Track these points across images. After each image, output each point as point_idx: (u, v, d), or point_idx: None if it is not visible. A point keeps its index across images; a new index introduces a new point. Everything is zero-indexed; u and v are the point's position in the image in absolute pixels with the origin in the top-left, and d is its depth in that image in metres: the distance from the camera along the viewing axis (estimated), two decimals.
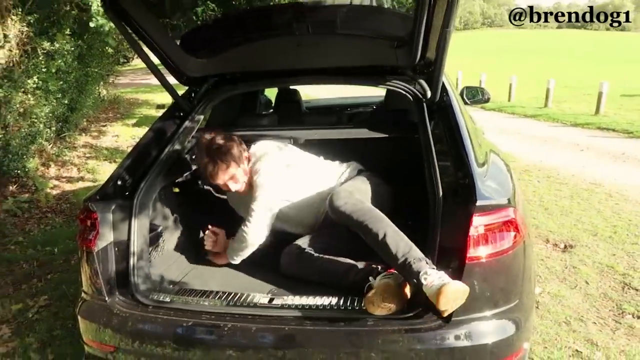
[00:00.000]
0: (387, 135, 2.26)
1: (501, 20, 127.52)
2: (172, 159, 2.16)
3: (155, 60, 2.14)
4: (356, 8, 2.24)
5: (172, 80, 2.28)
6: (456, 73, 17.59)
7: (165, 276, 2.04)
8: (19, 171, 5.68)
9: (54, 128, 6.97)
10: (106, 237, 1.83)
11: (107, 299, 1.80)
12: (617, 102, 12.16)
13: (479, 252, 1.55)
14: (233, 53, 2.17)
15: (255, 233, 2.11)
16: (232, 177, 2.13)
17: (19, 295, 3.28)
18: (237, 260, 2.18)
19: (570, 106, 12.27)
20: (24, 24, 5.83)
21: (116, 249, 1.84)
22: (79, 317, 1.87)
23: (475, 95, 4.12)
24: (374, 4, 2.29)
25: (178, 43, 2.14)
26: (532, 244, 1.91)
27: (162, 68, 2.24)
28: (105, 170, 6.71)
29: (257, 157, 2.22)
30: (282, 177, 2.18)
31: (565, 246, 3.81)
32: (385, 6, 2.30)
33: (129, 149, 8.08)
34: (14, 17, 5.71)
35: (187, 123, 2.20)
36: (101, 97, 12.27)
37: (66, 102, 7.47)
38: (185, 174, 2.38)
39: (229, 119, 2.82)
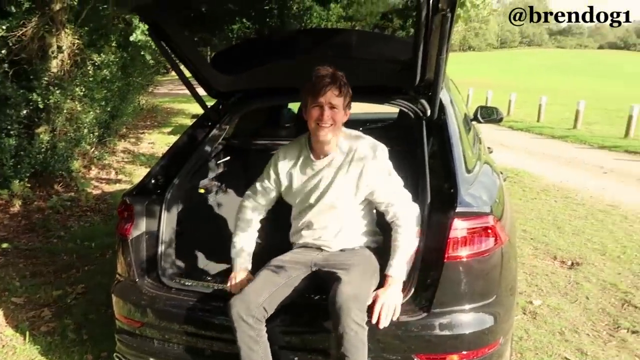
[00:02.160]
0: (393, 149, 2.50)
1: (540, 40, 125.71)
2: (200, 163, 2.46)
3: (188, 73, 2.47)
4: (367, 34, 2.51)
5: (202, 92, 2.59)
6: (485, 92, 17.60)
7: (189, 264, 2.33)
8: (63, 172, 6.15)
9: (96, 133, 7.46)
10: (140, 227, 2.14)
11: (137, 280, 2.10)
12: None
13: (458, 253, 1.78)
14: (257, 71, 2.47)
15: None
16: (336, 107, 1.89)
17: (59, 283, 3.64)
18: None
19: (601, 128, 12.17)
20: (76, 37, 6.35)
21: (147, 237, 2.15)
22: (112, 296, 2.17)
23: (490, 115, 4.29)
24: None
25: (209, 61, 2.46)
26: (514, 251, 2.11)
27: (193, 81, 2.55)
28: (140, 174, 7.14)
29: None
30: None
31: (572, 263, 3.92)
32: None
33: None
34: (67, 30, 6.24)
35: (214, 131, 2.50)
36: (140, 105, 12.93)
37: (109, 109, 8.00)
38: (210, 177, 2.68)
39: (254, 129, 3.12)
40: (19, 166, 5.37)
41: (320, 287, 1.93)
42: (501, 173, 2.68)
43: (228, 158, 2.87)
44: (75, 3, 6.37)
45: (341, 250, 2.04)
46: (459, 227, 1.78)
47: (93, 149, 7.59)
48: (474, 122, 4.04)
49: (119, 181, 6.91)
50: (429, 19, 1.80)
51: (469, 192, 1.89)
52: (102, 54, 7.16)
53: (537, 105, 14.13)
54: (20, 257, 4.16)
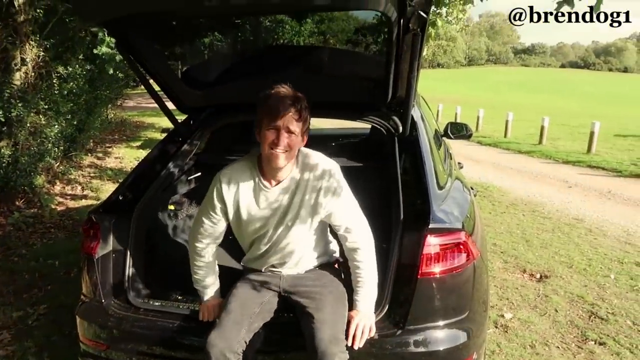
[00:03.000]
0: (366, 165, 2.51)
1: (506, 58, 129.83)
2: (170, 179, 2.41)
3: (157, 87, 2.42)
4: (339, 51, 2.53)
5: (172, 106, 2.55)
6: (455, 108, 18.01)
7: (159, 283, 2.26)
8: (26, 187, 5.94)
9: (61, 147, 7.25)
10: (107, 246, 2.06)
11: (103, 301, 2.02)
12: (610, 142, 12.49)
13: (431, 269, 1.78)
14: (228, 87, 2.44)
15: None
16: (293, 132, 1.71)
17: (20, 304, 3.47)
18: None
19: (564, 144, 12.58)
20: (41, 49, 6.19)
21: (114, 256, 2.07)
22: (77, 317, 2.08)
23: (459, 131, 4.38)
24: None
25: (180, 76, 2.42)
26: (486, 266, 2.13)
27: (163, 95, 2.51)
28: (107, 190, 6.96)
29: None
30: None
31: (541, 276, 4.00)
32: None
33: None
34: (32, 42, 6.08)
35: (185, 147, 2.45)
36: (108, 119, 12.66)
37: (75, 123, 7.79)
38: (181, 193, 2.63)
39: (225, 144, 3.08)
40: None
41: (290, 306, 1.90)
42: (472, 188, 2.72)
43: (199, 174, 2.82)
44: (41, 15, 6.24)
45: (305, 272, 1.98)
46: (432, 244, 1.79)
47: (58, 164, 7.37)
48: (444, 138, 4.11)
49: (84, 197, 6.71)
50: (399, 38, 1.82)
51: (441, 208, 1.90)
52: (68, 67, 7.00)
53: (504, 121, 14.52)
54: None
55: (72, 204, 6.37)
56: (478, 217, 2.29)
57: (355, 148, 3.20)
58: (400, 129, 2.30)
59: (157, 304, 2.03)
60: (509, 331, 3.10)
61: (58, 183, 7.07)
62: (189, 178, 2.74)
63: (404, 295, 1.81)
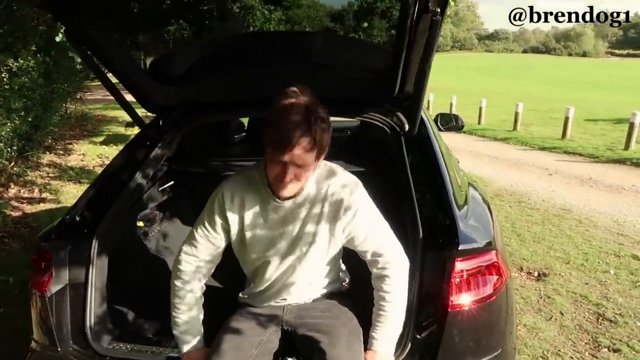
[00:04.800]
0: (363, 169, 2.18)
1: (470, 44, 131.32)
2: (138, 192, 2.03)
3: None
4: (335, 39, 2.19)
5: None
6: (427, 95, 17.87)
7: (127, 322, 1.89)
8: None
9: (15, 147, 6.67)
10: (61, 280, 1.68)
11: (59, 349, 1.65)
12: (582, 127, 12.55)
13: (461, 299, 1.48)
14: (204, 82, 2.07)
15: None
16: (303, 166, 1.36)
17: None
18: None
19: (538, 129, 12.59)
20: None
21: (72, 292, 1.69)
22: None
23: (449, 122, 4.11)
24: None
25: (145, 68, 2.03)
26: (512, 282, 1.86)
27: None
28: (69, 191, 6.44)
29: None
30: None
31: (539, 274, 3.80)
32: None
33: (95, 169, 7.73)
34: None
35: (154, 153, 2.07)
36: (68, 114, 11.93)
37: (30, 119, 7.19)
38: (151, 206, 2.25)
39: (200, 146, 2.71)
40: None
41: (295, 348, 1.58)
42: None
43: (172, 183, 2.44)
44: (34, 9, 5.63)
45: (313, 301, 1.67)
46: (462, 268, 1.49)
47: (12, 165, 6.79)
48: None
49: (43, 200, 6.18)
50: (413, 21, 1.51)
51: (467, 224, 1.61)
52: (19, 59, 6.40)
53: (477, 108, 14.45)
54: None
55: (28, 208, 5.84)
56: (497, 224, 2.01)
57: (352, 148, 2.86)
58: (406, 126, 1.99)
59: (125, 348, 1.68)
60: (517, 340, 2.86)
61: (13, 186, 6.49)
62: (160, 189, 2.36)
63: (430, 332, 1.51)
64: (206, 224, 1.55)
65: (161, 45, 2.57)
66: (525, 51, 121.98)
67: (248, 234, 1.53)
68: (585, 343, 2.86)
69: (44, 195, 6.39)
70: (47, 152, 8.82)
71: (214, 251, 1.57)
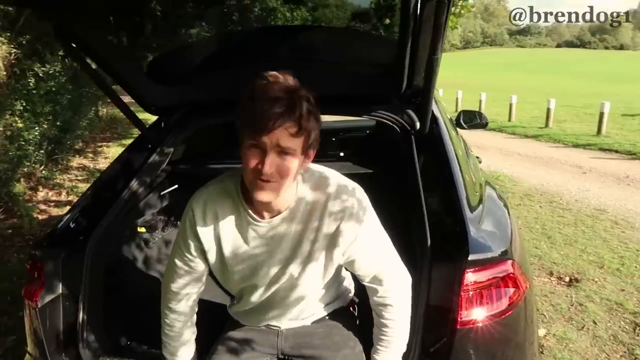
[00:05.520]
0: (371, 172, 2.07)
1: (501, 40, 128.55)
2: (137, 196, 1.96)
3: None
4: (338, 32, 2.07)
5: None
6: (455, 93, 17.48)
7: (122, 335, 1.82)
8: (3, 195, 5.50)
9: (44, 151, 6.81)
10: (53, 290, 1.62)
11: None
12: (618, 122, 12.02)
13: (473, 315, 1.35)
14: (206, 80, 1.99)
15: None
16: (289, 152, 1.12)
17: None
18: None
19: (572, 126, 12.11)
20: (13, 46, 5.71)
21: (64, 303, 1.63)
22: None
23: (472, 120, 3.94)
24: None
25: (143, 68, 1.96)
26: (533, 295, 1.70)
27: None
28: None
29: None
30: None
31: (571, 280, 3.58)
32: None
33: None
34: (2, 39, 5.61)
35: (154, 157, 2.00)
36: (98, 117, 12.18)
37: (59, 123, 7.34)
38: (152, 212, 2.18)
39: (209, 149, 2.63)
40: None
41: None
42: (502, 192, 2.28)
43: (175, 187, 2.37)
44: (12, 9, 5.74)
45: (312, 323, 1.51)
46: (473, 280, 1.35)
47: (42, 168, 6.93)
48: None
49: (69, 203, 6.26)
50: (417, 8, 1.38)
51: (479, 231, 1.47)
52: (46, 65, 6.52)
53: (507, 104, 14.02)
54: None
55: (55, 211, 5.94)
56: (517, 231, 1.85)
57: (361, 148, 2.73)
58: (418, 125, 1.86)
59: None
60: (545, 352, 2.69)
61: (42, 189, 6.63)
62: (162, 193, 2.29)
63: (437, 350, 1.38)
64: (182, 246, 1.35)
65: (161, 44, 2.50)
66: (559, 46, 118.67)
67: (228, 259, 1.32)
68: (621, 356, 2.65)
69: (70, 197, 6.49)
70: (77, 155, 9.00)
71: (193, 272, 1.39)
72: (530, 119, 13.71)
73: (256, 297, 1.39)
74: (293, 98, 1.09)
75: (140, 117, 2.16)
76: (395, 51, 1.62)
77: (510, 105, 13.80)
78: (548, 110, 12.14)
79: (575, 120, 13.37)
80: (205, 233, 1.30)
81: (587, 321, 3.00)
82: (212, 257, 1.33)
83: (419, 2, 1.36)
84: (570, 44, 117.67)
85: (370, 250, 1.30)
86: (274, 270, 1.31)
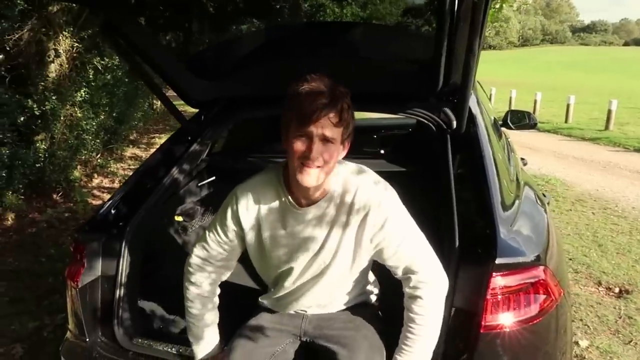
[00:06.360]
0: (404, 170, 2.04)
1: (563, 37, 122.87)
2: (175, 186, 2.03)
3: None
4: (377, 27, 2.06)
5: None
6: (509, 92, 16.88)
7: (155, 317, 1.90)
8: (61, 182, 5.83)
9: (100, 140, 7.16)
10: (93, 272, 1.72)
11: (87, 339, 1.68)
12: None
13: (498, 320, 1.31)
14: (244, 75, 2.04)
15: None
16: (332, 141, 1.26)
17: (39, 312, 3.26)
18: None
19: (635, 129, 11.43)
20: (75, 40, 6.03)
21: (104, 285, 1.72)
22: (61, 358, 1.75)
23: (521, 120, 3.80)
24: None
25: (186, 64, 2.03)
26: (569, 303, 1.63)
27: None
28: None
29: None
30: None
31: (621, 291, 3.40)
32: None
33: None
34: (65, 33, 5.92)
35: (194, 147, 2.07)
36: (153, 109, 12.65)
37: (114, 115, 7.70)
38: (190, 201, 2.25)
39: (249, 143, 2.68)
40: (12, 177, 5.06)
41: (312, 354, 1.49)
42: (544, 195, 2.19)
43: (213, 178, 2.43)
44: (75, 5, 6.07)
45: (336, 312, 1.56)
46: (500, 285, 1.31)
47: (98, 156, 7.30)
48: (503, 128, 3.55)
49: None
50: (454, 6, 1.35)
51: (511, 234, 1.42)
52: (104, 58, 6.84)
53: (564, 105, 13.40)
54: (3, 279, 3.80)
55: (107, 197, 6.23)
56: (555, 235, 1.78)
57: (397, 147, 2.70)
58: (454, 124, 1.82)
59: (150, 345, 1.67)
60: None
61: (96, 176, 6.99)
62: (199, 184, 2.36)
63: (459, 355, 1.35)
64: (219, 229, 1.46)
65: (210, 40, 2.56)
66: (626, 44, 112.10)
67: (266, 243, 1.43)
68: None
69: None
70: (131, 146, 9.40)
71: (227, 258, 1.49)
72: (589, 120, 13.06)
73: (290, 282, 1.48)
74: (334, 92, 1.25)
75: (182, 111, 2.24)
76: (432, 49, 1.59)
77: (568, 105, 13.18)
78: (609, 111, 11.51)
79: (639, 123, 12.61)
80: (247, 218, 1.42)
81: (636, 335, 2.83)
82: (250, 243, 1.45)
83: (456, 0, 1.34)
84: (639, 42, 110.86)
85: (398, 239, 1.36)
86: (308, 256, 1.41)
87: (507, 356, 1.34)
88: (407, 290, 1.39)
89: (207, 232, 1.49)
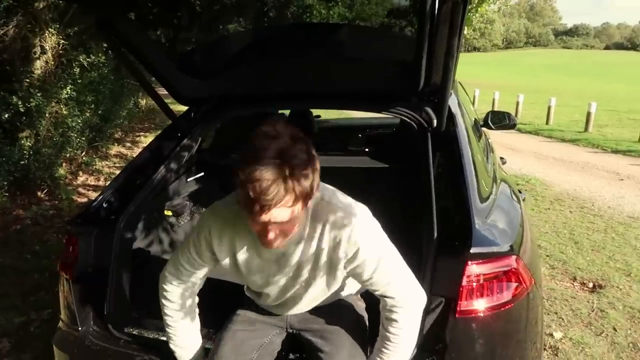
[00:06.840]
0: (387, 166, 2.13)
1: (546, 40, 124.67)
2: (165, 181, 2.09)
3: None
4: (361, 29, 2.14)
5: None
6: (493, 93, 17.15)
7: (146, 309, 1.94)
8: (46, 179, 5.81)
9: (85, 138, 7.13)
10: (85, 263, 1.77)
11: (79, 328, 1.73)
12: None
13: (472, 305, 1.40)
14: (233, 74, 2.10)
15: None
16: (287, 221, 1.16)
17: (25, 307, 3.28)
18: None
19: (613, 131, 11.73)
20: (61, 37, 6.01)
21: (95, 276, 1.77)
22: (54, 347, 1.80)
23: (501, 120, 3.92)
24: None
25: (177, 62, 2.08)
26: (540, 295, 1.72)
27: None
28: None
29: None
30: None
31: (594, 286, 3.53)
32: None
33: None
34: (51, 30, 5.90)
35: (184, 143, 2.12)
36: (138, 107, 12.59)
37: (100, 112, 7.67)
38: (179, 196, 2.31)
39: (236, 140, 2.74)
40: None
41: (298, 345, 1.56)
42: (519, 192, 2.29)
43: (202, 174, 2.49)
44: (61, 2, 6.05)
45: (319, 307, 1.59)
46: (474, 273, 1.40)
47: (83, 154, 7.27)
48: (483, 128, 3.66)
49: None
50: (434, 9, 1.43)
51: (485, 225, 1.51)
52: (90, 55, 6.82)
53: (546, 107, 13.67)
54: None
55: (93, 195, 6.22)
56: (528, 229, 1.88)
57: (381, 145, 2.78)
58: (435, 122, 1.90)
59: (141, 334, 1.73)
60: (560, 354, 2.68)
61: (82, 174, 6.96)
62: (189, 179, 2.42)
63: (435, 339, 1.44)
64: (193, 253, 1.43)
65: (199, 39, 2.62)
66: (607, 48, 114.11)
67: (242, 269, 1.41)
68: None
69: (107, 182, 6.78)
70: (116, 144, 9.36)
71: (200, 276, 1.50)
72: (569, 122, 13.34)
73: (270, 300, 1.51)
74: (284, 176, 1.07)
75: (173, 109, 2.29)
76: (413, 50, 1.67)
77: (549, 108, 13.46)
78: (588, 114, 11.77)
79: (617, 125, 12.93)
80: (220, 248, 1.38)
81: (607, 327, 2.96)
82: (226, 265, 1.42)
83: (437, 2, 1.41)
84: (620, 46, 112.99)
85: (372, 266, 1.31)
86: (284, 279, 1.41)
87: (482, 340, 1.43)
88: (383, 312, 1.39)
89: (180, 253, 1.48)
